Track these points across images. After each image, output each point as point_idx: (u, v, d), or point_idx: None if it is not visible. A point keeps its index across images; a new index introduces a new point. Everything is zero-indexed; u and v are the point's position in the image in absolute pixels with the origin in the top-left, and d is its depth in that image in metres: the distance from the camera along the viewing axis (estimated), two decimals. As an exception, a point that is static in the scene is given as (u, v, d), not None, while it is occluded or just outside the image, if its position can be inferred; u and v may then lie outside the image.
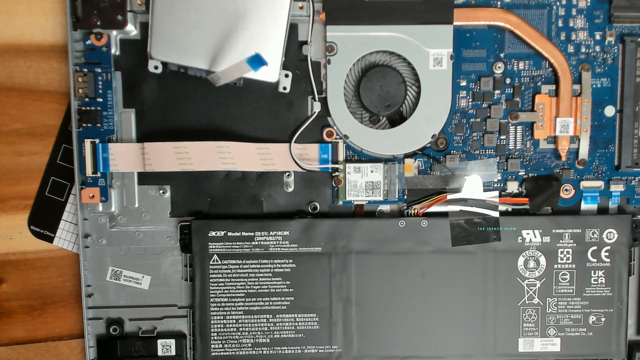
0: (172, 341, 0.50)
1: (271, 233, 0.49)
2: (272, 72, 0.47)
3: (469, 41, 0.49)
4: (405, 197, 0.50)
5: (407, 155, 0.49)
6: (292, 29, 0.48)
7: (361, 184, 0.49)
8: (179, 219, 0.50)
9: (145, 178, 0.49)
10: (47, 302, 0.52)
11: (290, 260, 0.49)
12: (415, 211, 0.50)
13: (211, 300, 0.49)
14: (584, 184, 0.50)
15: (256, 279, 0.49)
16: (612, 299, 0.49)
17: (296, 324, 0.50)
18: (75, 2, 0.47)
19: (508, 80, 0.49)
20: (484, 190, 0.49)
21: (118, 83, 0.48)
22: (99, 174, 0.49)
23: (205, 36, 0.46)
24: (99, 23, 0.47)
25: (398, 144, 0.49)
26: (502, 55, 0.49)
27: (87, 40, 0.48)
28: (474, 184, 0.49)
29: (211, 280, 0.49)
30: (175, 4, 0.46)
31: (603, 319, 0.50)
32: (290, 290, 0.49)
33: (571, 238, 0.49)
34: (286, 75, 0.48)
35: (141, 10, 0.47)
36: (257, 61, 0.45)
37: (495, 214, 0.49)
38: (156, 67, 0.48)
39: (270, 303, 0.49)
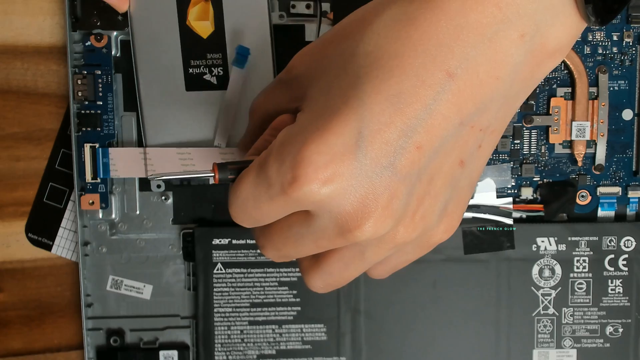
0: (175, 352, 0.49)
1: (277, 241, 0.48)
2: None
3: (482, 42, 0.47)
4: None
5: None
6: (300, 30, 0.47)
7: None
8: (182, 226, 0.49)
9: (147, 184, 0.48)
10: (45, 312, 0.51)
11: (297, 269, 0.48)
12: (426, 218, 0.48)
13: (215, 310, 0.48)
14: (601, 190, 0.48)
15: (262, 288, 0.48)
16: (630, 309, 0.48)
17: (303, 334, 0.49)
18: (74, 2, 0.46)
19: (522, 83, 0.48)
20: (497, 197, 0.48)
21: (119, 86, 0.47)
22: (99, 180, 0.47)
23: (198, 122, 0.46)
24: (98, 23, 0.46)
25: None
26: (516, 56, 0.48)
27: (86, 42, 0.46)
28: (487, 190, 0.48)
29: (215, 289, 0.48)
30: (161, 98, 0.46)
31: (621, 330, 0.49)
32: (297, 299, 0.48)
33: (587, 246, 0.48)
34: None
35: (143, 10, 0.46)
36: (241, 57, 0.43)
37: (509, 221, 0.48)
38: None
39: (276, 313, 0.48)
